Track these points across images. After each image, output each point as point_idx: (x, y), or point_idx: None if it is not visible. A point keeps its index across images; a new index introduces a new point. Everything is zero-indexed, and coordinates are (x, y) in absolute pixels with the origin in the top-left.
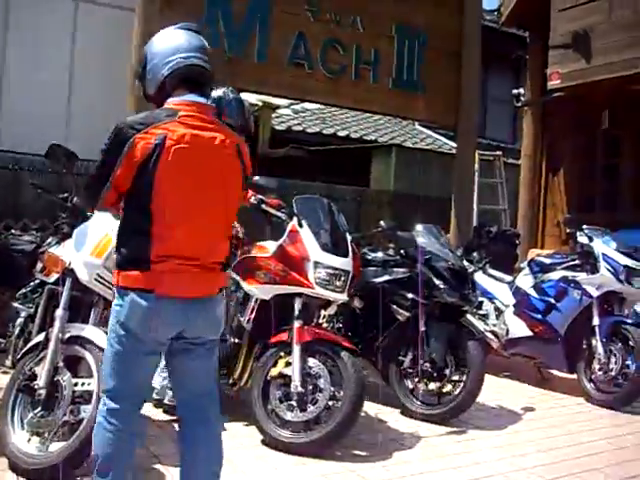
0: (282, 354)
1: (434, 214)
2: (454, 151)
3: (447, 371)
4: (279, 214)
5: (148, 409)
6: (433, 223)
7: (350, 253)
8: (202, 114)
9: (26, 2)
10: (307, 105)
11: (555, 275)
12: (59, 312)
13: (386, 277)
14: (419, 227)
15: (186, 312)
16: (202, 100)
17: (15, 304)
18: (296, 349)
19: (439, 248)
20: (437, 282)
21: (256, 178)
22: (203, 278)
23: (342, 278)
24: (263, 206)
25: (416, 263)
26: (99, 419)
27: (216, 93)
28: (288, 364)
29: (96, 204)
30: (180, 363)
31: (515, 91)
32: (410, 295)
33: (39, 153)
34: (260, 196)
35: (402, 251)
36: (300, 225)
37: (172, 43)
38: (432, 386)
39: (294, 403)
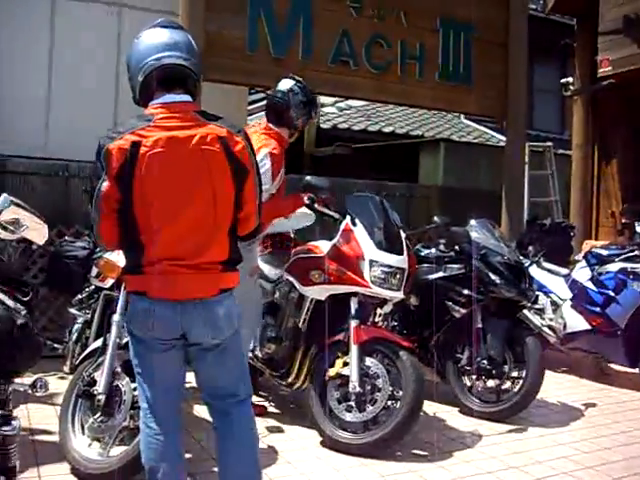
0: (339, 354)
1: (484, 208)
2: (502, 144)
3: (505, 368)
4: (332, 213)
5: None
6: (484, 217)
7: (405, 250)
8: (179, 113)
9: (68, 9)
10: (352, 102)
11: (613, 267)
12: (116, 317)
13: (441, 274)
14: (473, 222)
15: (181, 313)
16: (180, 98)
17: (72, 310)
18: (353, 349)
19: (494, 243)
20: (493, 277)
21: (308, 178)
22: (197, 279)
23: (398, 276)
24: (315, 205)
25: (471, 259)
26: (141, 424)
27: (284, 86)
28: (346, 364)
29: (100, 242)
30: (196, 369)
31: (563, 80)
32: (466, 291)
33: (88, 160)
34: (312, 195)
35: (456, 247)
36: (354, 224)
37: (143, 46)
38: (490, 383)
39: (353, 404)
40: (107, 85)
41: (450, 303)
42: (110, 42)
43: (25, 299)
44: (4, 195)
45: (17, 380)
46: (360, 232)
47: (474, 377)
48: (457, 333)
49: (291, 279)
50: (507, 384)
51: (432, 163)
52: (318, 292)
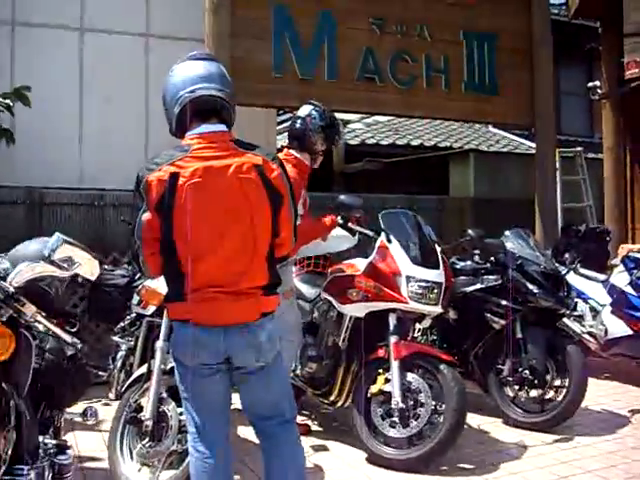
0: (380, 371)
1: (518, 217)
2: (532, 151)
3: (548, 377)
4: (366, 231)
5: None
6: (516, 226)
7: (441, 264)
8: (215, 143)
9: (95, 42)
10: (379, 117)
11: None
12: (159, 343)
13: (478, 285)
14: (507, 232)
15: (224, 338)
16: (215, 128)
17: (115, 338)
18: (394, 365)
19: (529, 252)
20: (531, 287)
21: (341, 197)
22: (239, 305)
23: (435, 290)
24: (349, 224)
25: (507, 269)
26: (190, 449)
27: (303, 112)
28: (387, 380)
29: (146, 272)
30: (241, 392)
31: (591, 84)
32: (504, 302)
33: (122, 189)
34: (344, 214)
35: (492, 258)
36: (389, 240)
37: (178, 79)
38: (533, 393)
39: (396, 419)
40: (137, 116)
41: (489, 315)
42: (139, 72)
43: (73, 330)
44: (57, 234)
45: (68, 410)
46: (395, 248)
47: (516, 388)
48: (497, 344)
49: (329, 298)
50: (550, 393)
51: (462, 174)
52: (356, 310)
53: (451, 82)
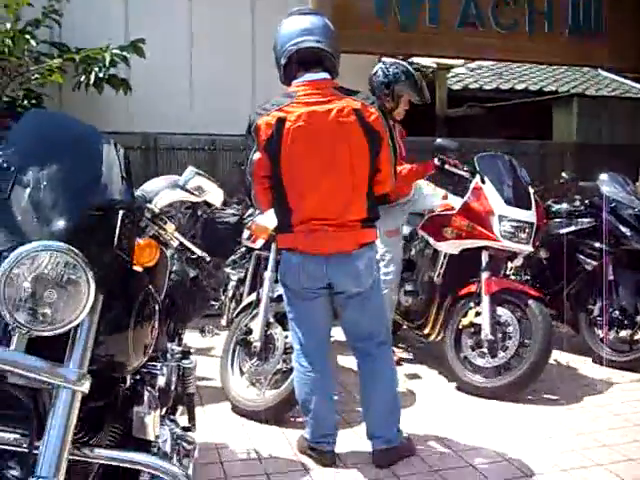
0: (472, 305)
1: (622, 163)
2: None
3: (638, 318)
4: (462, 173)
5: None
6: (621, 172)
7: (533, 205)
8: (318, 90)
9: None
10: (482, 62)
11: None
12: (267, 274)
13: (572, 228)
14: (603, 176)
15: (326, 266)
16: (318, 76)
17: (226, 270)
18: (485, 299)
19: (625, 196)
20: (624, 230)
21: (438, 140)
22: (339, 236)
23: (526, 230)
24: (446, 166)
25: (601, 212)
26: (294, 364)
27: (372, 71)
28: (478, 314)
29: (257, 205)
30: (342, 314)
31: None
32: (597, 244)
33: (231, 133)
34: (442, 157)
35: (587, 201)
36: (483, 181)
37: (284, 32)
38: (623, 333)
39: (485, 350)
40: (244, 66)
41: (581, 256)
42: (245, 23)
43: (194, 257)
44: (190, 167)
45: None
46: (489, 189)
47: (606, 328)
48: (589, 285)
49: (425, 235)
50: (639, 334)
51: (565, 119)
52: (451, 247)
53: (555, 25)
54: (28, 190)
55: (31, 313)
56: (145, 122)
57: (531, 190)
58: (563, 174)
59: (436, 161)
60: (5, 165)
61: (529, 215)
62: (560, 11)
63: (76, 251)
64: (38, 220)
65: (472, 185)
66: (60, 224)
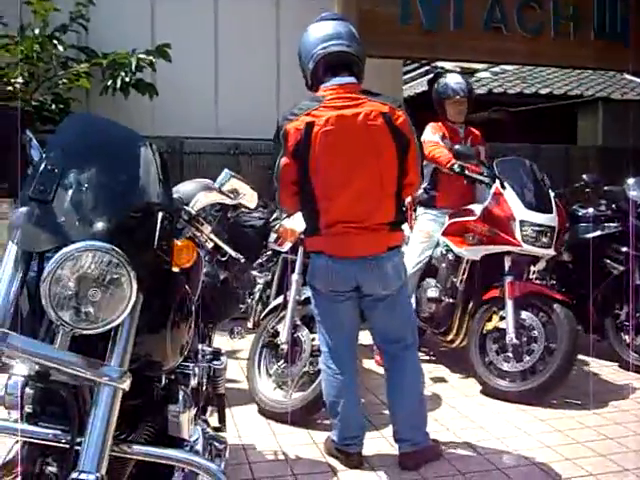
0: (495, 309)
1: None
2: None
3: None
4: (482, 178)
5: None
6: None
7: (554, 209)
8: (346, 94)
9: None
10: (506, 66)
11: None
12: (294, 277)
13: (598, 232)
14: (630, 180)
15: (355, 269)
16: (346, 80)
17: (253, 272)
18: (509, 303)
19: None
20: None
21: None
22: (368, 239)
23: (548, 234)
24: (466, 172)
25: (628, 217)
26: (322, 366)
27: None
28: (502, 318)
29: (283, 209)
30: (369, 317)
31: None
32: (624, 249)
33: (256, 137)
34: (461, 163)
35: (613, 205)
36: (503, 187)
37: (312, 38)
38: None
39: (510, 354)
40: (269, 71)
41: (608, 261)
42: (270, 27)
43: (223, 259)
44: (225, 170)
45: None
46: (509, 194)
47: (633, 333)
48: (615, 290)
49: (447, 242)
50: None
51: (591, 123)
52: (473, 253)
53: (580, 29)
54: (71, 192)
55: (75, 312)
56: (170, 126)
57: (552, 194)
58: (584, 176)
59: (456, 167)
60: (49, 167)
61: (550, 219)
62: (585, 15)
63: (119, 251)
64: (81, 221)
65: (492, 190)
66: (102, 225)
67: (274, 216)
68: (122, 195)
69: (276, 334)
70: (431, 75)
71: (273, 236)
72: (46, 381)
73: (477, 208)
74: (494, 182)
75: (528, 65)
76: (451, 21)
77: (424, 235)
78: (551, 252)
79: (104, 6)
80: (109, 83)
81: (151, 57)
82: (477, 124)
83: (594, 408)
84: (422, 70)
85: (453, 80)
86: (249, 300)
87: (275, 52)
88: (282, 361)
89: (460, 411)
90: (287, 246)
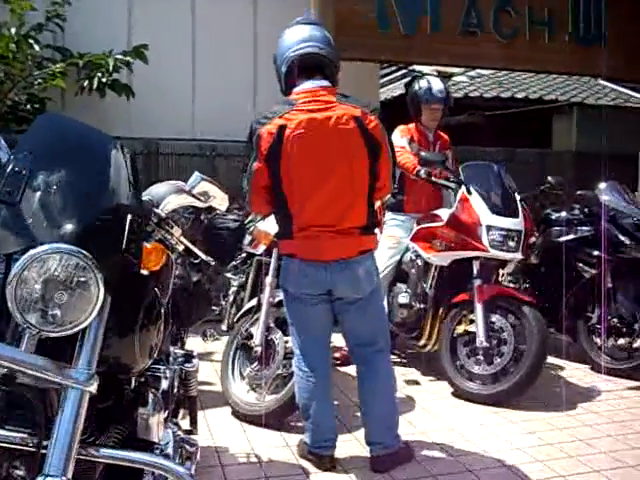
0: (465, 312)
1: (621, 173)
2: None
3: (636, 326)
4: (448, 184)
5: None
6: (620, 182)
7: (520, 212)
8: (318, 97)
9: (207, 2)
10: (482, 70)
11: None
12: (268, 279)
13: (571, 236)
14: (602, 185)
15: (327, 272)
16: (318, 84)
17: (227, 275)
18: (478, 307)
19: (624, 205)
20: (622, 238)
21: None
22: (339, 242)
23: (515, 238)
24: (432, 178)
25: (600, 220)
26: (294, 369)
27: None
28: (472, 321)
29: (252, 211)
30: (342, 320)
31: None
32: (595, 252)
33: (232, 139)
34: (428, 169)
35: (586, 209)
36: (469, 192)
37: (286, 42)
38: (621, 341)
39: (481, 357)
40: (246, 72)
41: (580, 264)
42: (247, 29)
43: (196, 262)
44: (196, 173)
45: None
46: (475, 199)
47: (604, 335)
48: (587, 293)
49: (416, 247)
50: (638, 342)
51: (565, 128)
52: (442, 259)
53: (555, 34)
54: (39, 194)
55: (41, 314)
56: (147, 128)
57: (517, 197)
58: (549, 178)
59: (422, 174)
60: (17, 169)
61: (516, 223)
62: (560, 20)
63: (86, 253)
64: (48, 223)
65: (458, 196)
66: (70, 227)
67: (249, 219)
68: (91, 197)
69: (250, 336)
70: (408, 79)
71: (248, 238)
72: (12, 384)
73: (444, 213)
74: (460, 187)
75: (503, 70)
76: (428, 25)
77: (392, 240)
78: (518, 256)
79: (80, 6)
80: (85, 84)
81: (128, 58)
82: (453, 127)
83: (565, 410)
84: (399, 74)
85: (436, 86)
86: (223, 302)
87: (252, 54)
88: (256, 363)
89: (432, 413)
90: (261, 249)
